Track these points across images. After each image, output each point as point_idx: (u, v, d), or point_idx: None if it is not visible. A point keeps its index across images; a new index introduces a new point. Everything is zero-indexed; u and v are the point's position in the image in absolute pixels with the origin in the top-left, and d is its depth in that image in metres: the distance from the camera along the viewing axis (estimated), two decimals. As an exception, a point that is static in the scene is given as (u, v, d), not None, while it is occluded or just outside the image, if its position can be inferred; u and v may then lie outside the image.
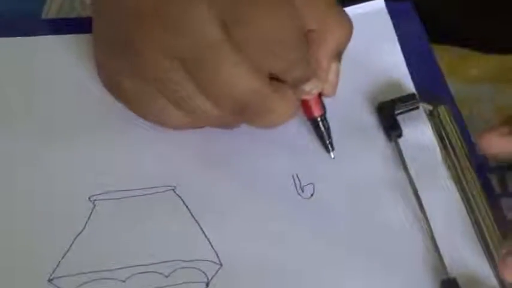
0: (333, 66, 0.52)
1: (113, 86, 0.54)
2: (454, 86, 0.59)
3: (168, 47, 0.48)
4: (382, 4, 0.63)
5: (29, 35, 0.60)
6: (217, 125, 0.53)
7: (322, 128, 0.54)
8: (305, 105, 0.53)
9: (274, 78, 0.49)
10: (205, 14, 0.47)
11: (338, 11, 0.52)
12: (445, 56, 0.60)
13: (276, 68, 0.48)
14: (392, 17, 0.63)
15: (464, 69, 0.63)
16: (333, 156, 0.55)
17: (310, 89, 0.51)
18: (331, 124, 0.55)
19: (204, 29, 0.47)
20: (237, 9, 0.47)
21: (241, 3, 0.47)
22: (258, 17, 0.47)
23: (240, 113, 0.49)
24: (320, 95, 0.53)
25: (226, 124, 0.53)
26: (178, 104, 0.50)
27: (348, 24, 0.52)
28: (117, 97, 0.54)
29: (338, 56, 0.52)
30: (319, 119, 0.54)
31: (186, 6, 0.47)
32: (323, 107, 0.53)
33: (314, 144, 0.55)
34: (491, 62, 0.64)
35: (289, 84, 0.50)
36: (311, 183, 0.54)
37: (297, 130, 0.56)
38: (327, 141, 0.54)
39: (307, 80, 0.50)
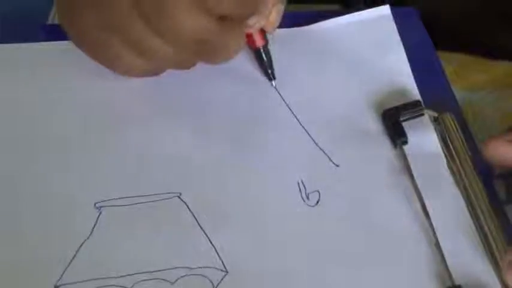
0: (277, 6, 0.56)
1: (79, 39, 0.56)
2: (458, 92, 0.59)
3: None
4: (388, 10, 0.63)
5: (32, 41, 0.60)
6: (173, 65, 0.55)
7: (265, 58, 0.59)
8: (249, 38, 0.58)
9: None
10: None
11: None
12: (450, 63, 0.60)
13: (224, 7, 0.50)
14: (397, 23, 0.63)
15: (469, 76, 0.63)
16: (274, 84, 0.59)
17: (254, 23, 0.55)
18: (336, 131, 0.56)
19: None
20: None
21: None
22: None
23: (195, 50, 0.51)
24: (262, 29, 0.57)
25: (181, 64, 0.55)
26: (135, 47, 0.52)
27: None
28: (83, 49, 0.56)
29: None
30: (261, 49, 0.58)
31: None
32: (265, 39, 0.58)
33: (320, 151, 0.56)
34: (496, 69, 0.64)
35: (235, 20, 0.52)
36: (316, 191, 0.54)
37: (301, 139, 0.56)
38: (269, 70, 0.59)
39: (251, 15, 0.54)
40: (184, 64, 0.55)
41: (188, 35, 0.50)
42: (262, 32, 0.58)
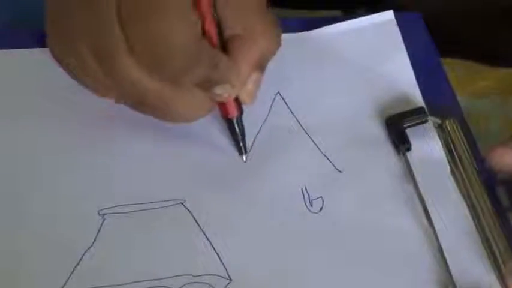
0: (253, 75, 0.52)
1: (59, 61, 0.55)
2: (462, 99, 0.59)
3: (81, 34, 0.50)
4: (392, 16, 0.63)
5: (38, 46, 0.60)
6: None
7: (237, 130, 0.54)
8: (220, 105, 0.53)
9: None
10: (104, 7, 0.48)
11: (267, 20, 0.52)
12: (453, 70, 0.60)
13: (165, 71, 0.49)
14: (401, 27, 0.63)
15: (472, 82, 0.63)
16: (244, 159, 0.55)
17: (221, 93, 0.51)
18: (340, 137, 0.56)
19: (105, 24, 0.49)
20: (133, 8, 0.48)
21: (139, 3, 0.48)
22: (148, 18, 0.48)
23: (138, 106, 0.51)
24: (238, 99, 0.53)
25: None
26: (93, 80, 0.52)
27: (274, 36, 0.52)
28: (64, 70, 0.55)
29: (260, 66, 0.52)
30: (234, 120, 0.54)
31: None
32: (239, 110, 0.53)
33: (323, 158, 0.56)
34: (499, 75, 0.64)
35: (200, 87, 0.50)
36: (320, 197, 0.54)
37: (304, 146, 0.56)
38: (240, 144, 0.55)
39: (213, 83, 0.50)
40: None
41: (134, 94, 0.50)
42: (237, 101, 0.53)
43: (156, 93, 0.50)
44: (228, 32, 0.51)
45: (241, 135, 0.54)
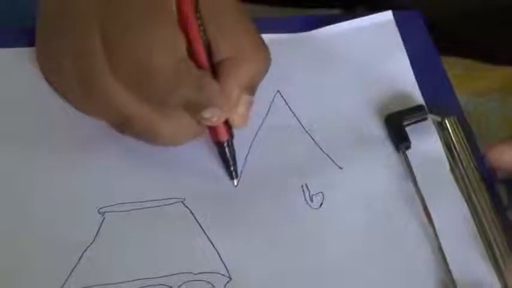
0: (243, 98, 0.51)
1: (46, 78, 0.56)
2: (461, 98, 0.59)
3: (65, 54, 0.51)
4: (390, 16, 0.63)
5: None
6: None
7: (228, 154, 0.53)
8: (210, 129, 0.52)
9: None
10: (88, 28, 0.49)
11: (255, 42, 0.52)
12: (452, 69, 0.60)
13: (148, 91, 0.49)
14: (400, 26, 0.63)
15: (471, 81, 0.63)
16: (235, 183, 0.54)
17: (209, 116, 0.49)
18: (340, 135, 0.56)
19: (87, 44, 0.49)
20: (116, 28, 0.49)
21: (122, 23, 0.48)
22: (129, 41, 0.48)
23: (123, 129, 0.51)
24: (228, 123, 0.52)
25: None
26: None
27: (263, 58, 0.52)
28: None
29: (251, 88, 0.52)
30: (225, 144, 0.53)
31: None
32: (229, 134, 0.52)
33: (323, 154, 0.56)
34: (499, 74, 0.64)
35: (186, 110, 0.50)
36: (320, 193, 0.54)
37: (304, 143, 0.56)
38: (231, 168, 0.54)
39: (201, 106, 0.49)
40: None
41: (113, 113, 0.50)
42: (227, 125, 0.52)
43: (140, 115, 0.50)
44: (218, 55, 0.51)
45: (232, 159, 0.53)
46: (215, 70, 0.51)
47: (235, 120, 0.52)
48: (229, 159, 0.53)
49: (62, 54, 0.52)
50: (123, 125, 0.52)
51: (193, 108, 0.49)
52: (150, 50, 0.48)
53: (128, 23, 0.49)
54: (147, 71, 0.48)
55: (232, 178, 0.54)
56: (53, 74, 0.54)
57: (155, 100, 0.50)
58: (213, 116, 0.49)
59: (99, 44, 0.49)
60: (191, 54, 0.50)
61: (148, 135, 0.52)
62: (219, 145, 0.53)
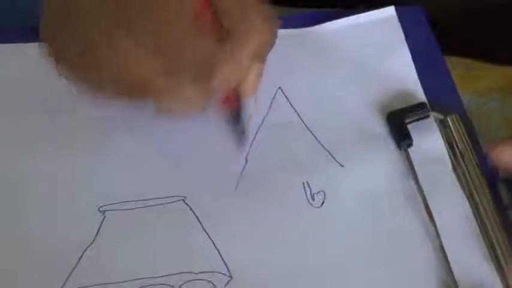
0: (254, 66, 0.52)
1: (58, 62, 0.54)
2: (463, 97, 0.58)
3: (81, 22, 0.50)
4: (393, 11, 0.63)
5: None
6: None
7: (237, 124, 0.54)
8: (221, 99, 0.52)
9: None
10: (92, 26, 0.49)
11: (264, 12, 0.52)
12: (453, 68, 0.60)
13: (165, 50, 0.49)
14: (402, 22, 0.62)
15: (473, 80, 0.63)
16: (245, 155, 0.55)
17: (221, 82, 0.50)
18: (341, 132, 0.56)
19: (103, 6, 0.48)
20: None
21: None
22: (147, 6, 0.48)
23: (133, 96, 0.51)
24: (238, 91, 0.52)
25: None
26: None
27: (267, 29, 0.52)
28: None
29: (261, 56, 0.52)
30: (234, 114, 0.53)
31: None
32: (239, 103, 0.53)
33: (325, 152, 0.56)
34: (499, 74, 0.64)
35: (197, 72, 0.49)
36: (322, 191, 0.54)
37: (306, 140, 0.56)
38: (240, 139, 0.54)
39: (212, 74, 0.50)
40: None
41: (133, 82, 0.49)
42: (237, 95, 0.52)
43: (153, 82, 0.49)
44: (226, 24, 0.51)
45: (241, 130, 0.54)
46: (223, 39, 0.50)
47: (246, 88, 0.52)
48: (239, 129, 0.54)
49: (67, 49, 0.51)
50: (134, 92, 0.50)
51: (205, 76, 0.50)
52: (167, 15, 0.48)
53: None
54: (164, 36, 0.48)
55: (240, 149, 0.54)
56: (67, 48, 0.52)
57: (170, 67, 0.49)
58: (224, 83, 0.50)
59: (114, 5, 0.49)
60: (202, 23, 0.50)
61: (158, 104, 0.51)
62: (229, 115, 0.53)
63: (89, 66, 0.50)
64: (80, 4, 0.50)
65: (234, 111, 0.53)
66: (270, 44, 0.53)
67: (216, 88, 0.50)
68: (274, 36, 0.53)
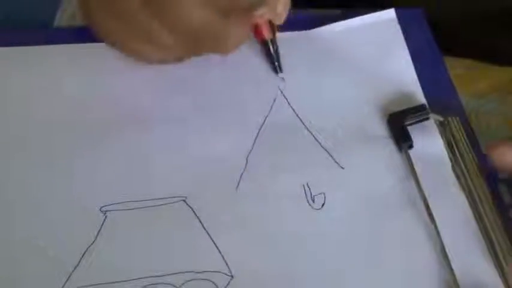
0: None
1: (101, 30, 0.58)
2: (463, 98, 0.59)
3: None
4: (393, 14, 0.63)
5: (39, 44, 0.60)
6: (179, 56, 0.58)
7: (272, 50, 0.59)
8: (256, 29, 0.59)
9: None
10: None
11: None
12: (453, 69, 0.60)
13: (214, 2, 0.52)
14: (402, 24, 0.63)
15: (472, 81, 0.63)
16: (281, 76, 0.59)
17: (261, 14, 0.56)
18: (342, 134, 0.56)
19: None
20: None
21: None
22: None
23: (198, 42, 0.54)
24: (270, 22, 0.58)
25: (186, 55, 0.58)
26: (149, 40, 0.55)
27: None
28: (106, 39, 0.59)
29: None
30: (269, 42, 0.59)
31: None
32: (273, 32, 0.59)
33: (325, 154, 0.56)
34: (500, 74, 0.64)
35: (242, 10, 0.54)
36: (322, 193, 0.54)
37: (306, 142, 0.56)
38: (276, 63, 0.59)
39: (255, 6, 0.55)
40: (190, 55, 0.58)
41: (191, 28, 0.52)
42: (270, 24, 0.58)
43: (212, 22, 0.53)
44: None
45: (276, 55, 0.59)
46: None
47: (275, 18, 0.57)
48: (274, 55, 0.59)
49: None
50: (191, 37, 0.54)
51: (249, 9, 0.55)
52: None
53: None
54: None
55: (277, 72, 0.60)
56: (114, 16, 0.56)
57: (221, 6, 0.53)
58: (264, 14, 0.56)
59: None
60: None
61: (214, 43, 0.55)
62: (264, 43, 0.59)
63: (149, 18, 0.53)
64: None
65: (268, 40, 0.59)
66: None
67: (257, 18, 0.57)
68: None
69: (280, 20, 0.57)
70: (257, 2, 0.55)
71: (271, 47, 0.59)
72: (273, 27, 0.59)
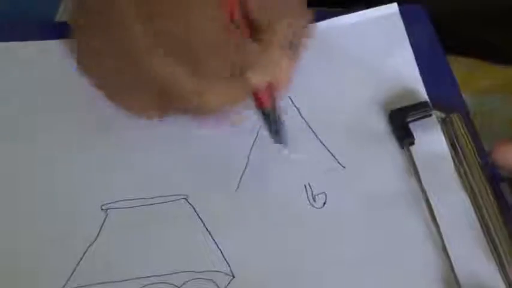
0: (284, 63, 0.51)
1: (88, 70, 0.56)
2: (466, 97, 0.58)
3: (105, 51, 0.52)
4: (396, 8, 0.62)
5: (41, 39, 0.59)
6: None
7: (271, 120, 0.53)
8: (255, 95, 0.52)
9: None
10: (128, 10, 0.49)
11: (293, 2, 0.52)
12: (456, 68, 0.60)
13: (195, 64, 0.50)
14: (404, 20, 0.62)
15: (475, 80, 0.63)
16: (286, 151, 0.55)
17: (253, 77, 0.50)
18: (343, 131, 0.56)
19: (124, 22, 0.50)
20: (154, 4, 0.49)
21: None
22: (172, 14, 0.49)
23: (172, 105, 0.52)
24: (272, 88, 0.52)
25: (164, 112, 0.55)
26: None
27: (301, 16, 0.53)
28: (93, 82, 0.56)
29: (290, 47, 0.52)
30: (268, 111, 0.53)
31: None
32: (273, 100, 0.52)
33: (326, 153, 0.55)
34: (502, 73, 0.64)
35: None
36: (323, 193, 0.54)
37: (307, 140, 0.56)
38: (277, 134, 0.54)
39: (244, 69, 0.50)
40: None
41: (162, 83, 0.50)
42: (271, 91, 0.52)
43: (189, 87, 0.50)
44: (255, 14, 0.51)
45: (277, 125, 0.53)
46: (253, 36, 0.51)
47: (277, 84, 0.52)
48: (274, 124, 0.53)
49: (103, 54, 0.52)
50: (171, 102, 0.52)
51: (238, 72, 0.50)
52: (194, 21, 0.49)
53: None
54: (195, 42, 0.49)
55: (280, 143, 0.54)
56: (93, 70, 0.55)
57: (202, 68, 0.50)
58: (257, 77, 0.50)
59: (140, 31, 0.49)
60: (229, 15, 0.50)
61: (197, 106, 0.52)
62: (264, 111, 0.53)
63: (122, 69, 0.51)
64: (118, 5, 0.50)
65: (267, 109, 0.53)
66: (301, 29, 0.53)
67: (250, 84, 0.51)
68: (307, 23, 0.53)
69: (283, 87, 0.52)
70: (247, 63, 0.50)
71: (271, 117, 0.53)
72: (274, 94, 0.52)
